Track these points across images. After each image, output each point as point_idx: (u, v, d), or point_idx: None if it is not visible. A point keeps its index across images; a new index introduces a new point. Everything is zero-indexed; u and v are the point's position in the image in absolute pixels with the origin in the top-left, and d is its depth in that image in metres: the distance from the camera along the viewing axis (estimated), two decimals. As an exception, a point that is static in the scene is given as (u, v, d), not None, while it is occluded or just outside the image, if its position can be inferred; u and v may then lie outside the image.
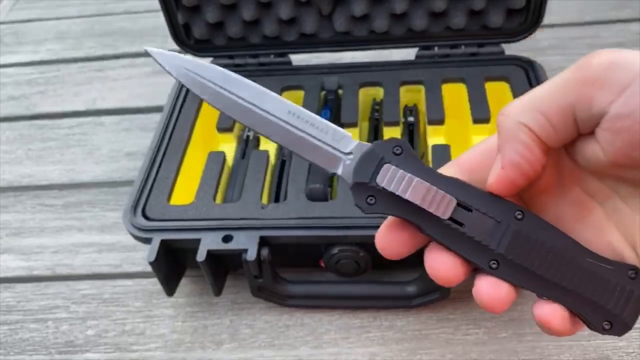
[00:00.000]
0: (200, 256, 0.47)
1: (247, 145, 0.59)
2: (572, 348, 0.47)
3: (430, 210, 0.24)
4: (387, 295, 0.51)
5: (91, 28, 0.93)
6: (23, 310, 0.55)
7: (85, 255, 0.59)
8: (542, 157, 0.24)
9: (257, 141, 0.60)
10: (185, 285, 0.55)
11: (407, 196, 0.24)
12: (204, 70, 0.28)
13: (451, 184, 0.25)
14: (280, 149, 0.58)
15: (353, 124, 0.58)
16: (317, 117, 0.27)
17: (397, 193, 0.25)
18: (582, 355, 0.47)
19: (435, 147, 0.53)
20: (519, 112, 0.23)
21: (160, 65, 0.28)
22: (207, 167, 0.54)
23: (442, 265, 0.25)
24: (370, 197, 0.25)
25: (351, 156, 0.26)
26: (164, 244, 0.48)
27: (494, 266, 0.25)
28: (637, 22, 0.79)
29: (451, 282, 0.25)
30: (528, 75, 0.59)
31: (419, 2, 0.60)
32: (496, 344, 0.48)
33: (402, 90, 0.60)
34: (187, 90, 0.63)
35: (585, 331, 0.48)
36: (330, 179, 0.53)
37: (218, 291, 0.51)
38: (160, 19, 0.66)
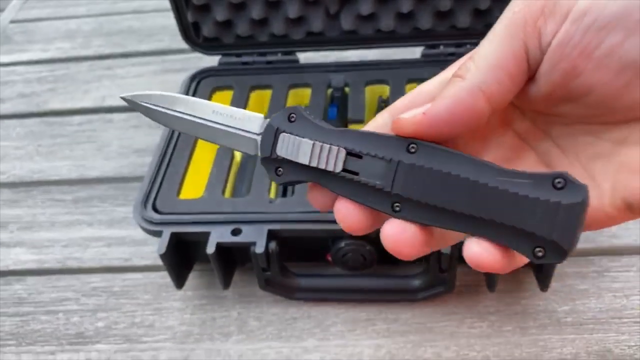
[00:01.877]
0: (210, 249, 0.47)
1: (255, 142, 0.60)
2: (575, 341, 0.48)
3: (321, 167, 0.24)
4: (393, 288, 0.51)
5: (100, 27, 0.94)
6: (34, 302, 0.56)
7: (95, 249, 0.60)
8: (472, 124, 0.23)
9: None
10: (193, 278, 0.56)
11: (299, 160, 0.25)
12: (151, 98, 0.30)
13: (342, 135, 0.25)
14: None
15: (359, 121, 0.59)
16: (237, 109, 0.28)
17: (291, 159, 0.25)
18: (585, 347, 0.48)
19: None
20: (476, 74, 0.22)
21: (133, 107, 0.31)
22: (216, 162, 0.55)
23: (349, 214, 0.25)
24: (278, 169, 0.26)
25: (258, 128, 0.27)
26: (174, 236, 0.49)
27: (397, 209, 0.23)
28: None
29: (360, 230, 0.25)
30: (532, 73, 0.60)
31: (424, 1, 0.61)
32: (500, 337, 0.49)
33: (408, 88, 0.61)
34: (197, 87, 0.64)
35: (588, 325, 0.49)
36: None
37: (226, 284, 0.52)
38: (168, 18, 0.67)
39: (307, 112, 0.26)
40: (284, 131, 0.26)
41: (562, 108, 0.23)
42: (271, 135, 0.26)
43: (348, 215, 0.25)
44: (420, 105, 0.23)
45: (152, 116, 0.30)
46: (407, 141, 0.23)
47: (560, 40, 0.21)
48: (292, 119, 0.26)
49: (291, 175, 0.26)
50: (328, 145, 0.25)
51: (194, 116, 0.29)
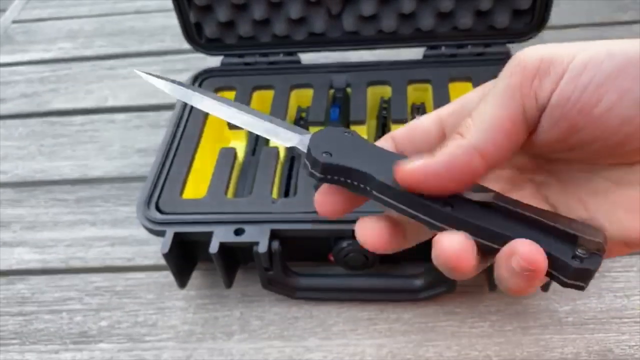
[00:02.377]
0: (213, 248, 0.48)
1: (257, 142, 0.60)
2: (576, 341, 0.48)
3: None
4: (395, 288, 0.52)
5: (102, 27, 0.94)
6: (38, 302, 0.57)
7: (98, 249, 0.61)
8: (467, 182, 0.24)
9: (266, 139, 0.61)
10: (196, 278, 0.56)
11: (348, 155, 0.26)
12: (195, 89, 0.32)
13: (391, 156, 0.26)
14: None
15: (361, 122, 0.59)
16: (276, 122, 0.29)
17: (342, 152, 0.26)
18: (585, 347, 0.48)
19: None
20: (475, 135, 0.23)
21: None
22: (219, 162, 0.55)
23: (371, 232, 0.26)
24: (327, 154, 0.26)
25: (307, 136, 0.28)
26: (177, 236, 0.49)
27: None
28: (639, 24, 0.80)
29: (380, 249, 0.27)
30: (533, 74, 0.60)
31: (426, 2, 0.61)
32: (501, 337, 0.49)
33: (410, 88, 0.62)
34: (199, 87, 0.64)
35: (589, 325, 0.49)
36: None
37: (229, 283, 0.52)
38: (170, 18, 0.67)
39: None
40: (339, 136, 0.27)
41: (562, 155, 0.24)
42: (327, 134, 0.27)
43: (371, 232, 0.27)
44: (419, 143, 0.26)
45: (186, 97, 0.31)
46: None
47: (558, 99, 0.22)
48: (347, 133, 0.28)
49: (341, 159, 0.26)
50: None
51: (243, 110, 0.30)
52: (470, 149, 0.23)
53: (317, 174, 0.26)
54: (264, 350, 0.50)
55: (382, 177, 0.25)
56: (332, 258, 0.51)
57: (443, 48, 0.64)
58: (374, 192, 0.26)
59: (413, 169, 0.24)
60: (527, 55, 0.23)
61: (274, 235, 0.48)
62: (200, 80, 0.65)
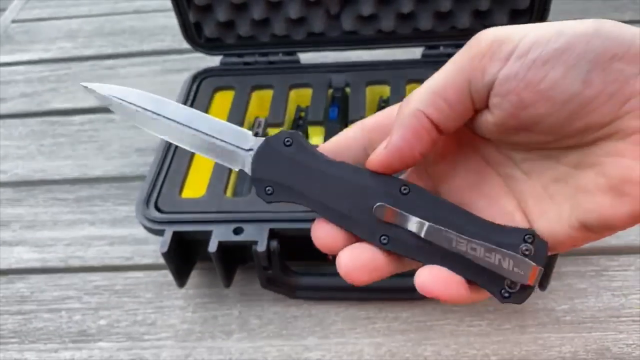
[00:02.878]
0: (212, 247, 0.48)
1: (256, 141, 0.61)
2: (574, 339, 0.48)
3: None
4: (393, 287, 0.52)
5: (102, 27, 0.95)
6: (37, 301, 0.57)
7: (97, 248, 0.61)
8: (429, 144, 0.25)
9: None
10: (195, 277, 0.56)
11: (294, 185, 0.26)
12: (131, 96, 0.29)
13: (337, 167, 0.26)
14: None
15: (360, 121, 0.59)
16: (221, 121, 0.29)
17: (285, 183, 0.27)
18: (583, 346, 0.48)
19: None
20: (419, 99, 0.24)
21: (97, 97, 0.30)
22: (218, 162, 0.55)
23: (325, 235, 0.27)
24: (268, 188, 0.27)
25: (252, 152, 0.28)
26: (176, 235, 0.49)
27: (384, 241, 0.26)
28: (639, 23, 0.80)
29: (333, 251, 0.28)
30: (532, 74, 0.60)
31: (425, 2, 0.62)
32: (499, 336, 0.49)
33: (409, 88, 0.62)
34: (198, 87, 0.64)
35: (587, 323, 0.49)
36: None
37: (228, 282, 0.52)
38: (169, 18, 0.67)
39: (304, 139, 0.27)
40: (279, 152, 0.27)
41: (518, 136, 0.24)
42: (267, 154, 0.27)
43: (326, 235, 0.28)
44: (387, 127, 0.26)
45: (124, 112, 0.29)
46: (401, 182, 0.26)
47: (505, 75, 0.23)
48: (288, 143, 0.27)
49: (281, 196, 0.27)
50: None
51: (175, 121, 0.28)
52: (416, 112, 0.24)
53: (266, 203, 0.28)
54: (262, 349, 0.50)
55: (325, 201, 0.26)
56: (330, 257, 0.51)
57: (441, 48, 0.65)
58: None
59: (379, 157, 0.25)
60: (482, 34, 0.24)
61: (272, 234, 0.48)
62: (200, 79, 0.65)
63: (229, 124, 0.28)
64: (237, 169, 0.28)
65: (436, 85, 0.24)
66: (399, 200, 0.26)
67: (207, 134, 0.28)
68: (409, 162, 0.25)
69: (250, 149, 0.28)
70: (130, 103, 0.29)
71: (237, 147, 0.28)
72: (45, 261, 0.60)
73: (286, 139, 0.27)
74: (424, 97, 0.24)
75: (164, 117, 0.29)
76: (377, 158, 0.25)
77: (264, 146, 0.27)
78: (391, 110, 0.27)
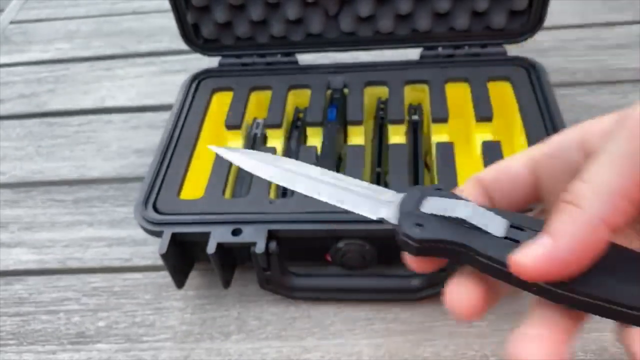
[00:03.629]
0: (210, 249, 0.48)
1: (255, 142, 0.61)
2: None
3: (481, 225, 0.23)
4: (392, 288, 0.52)
5: (100, 28, 0.94)
6: (35, 302, 0.57)
7: (95, 249, 0.61)
8: (600, 252, 0.21)
9: (264, 138, 0.62)
10: (194, 278, 0.56)
11: (454, 213, 0.23)
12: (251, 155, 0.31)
13: (495, 210, 0.23)
14: (287, 146, 0.60)
15: (358, 122, 0.59)
16: (357, 180, 0.28)
17: (441, 213, 0.24)
18: (582, 347, 0.48)
19: (439, 144, 0.55)
20: (597, 205, 0.20)
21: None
22: (216, 163, 0.56)
23: (466, 299, 0.23)
24: (418, 225, 0.24)
25: (393, 198, 0.26)
26: (174, 236, 0.49)
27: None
28: (638, 24, 0.80)
29: (475, 316, 0.23)
30: (530, 75, 0.60)
31: (423, 3, 0.62)
32: (498, 336, 0.49)
33: (407, 89, 0.62)
34: (197, 88, 0.64)
35: (585, 324, 0.49)
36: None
37: (226, 284, 0.52)
38: (168, 19, 0.67)
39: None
40: (430, 195, 0.25)
41: None
42: (415, 196, 0.25)
43: (466, 297, 0.23)
44: (507, 189, 0.24)
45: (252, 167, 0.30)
46: None
47: None
48: (438, 188, 0.26)
49: (435, 231, 0.24)
50: (491, 212, 0.23)
51: (315, 179, 0.29)
52: (595, 221, 0.20)
53: (414, 250, 0.24)
54: (261, 350, 0.50)
55: (488, 250, 0.22)
56: (329, 258, 0.51)
57: (440, 49, 0.65)
58: (480, 262, 0.23)
59: (534, 261, 0.20)
60: (635, 113, 0.21)
61: (271, 235, 0.48)
62: (198, 80, 0.65)
63: (369, 184, 0.28)
64: (376, 218, 0.26)
65: (615, 188, 0.20)
66: None
67: (348, 190, 0.28)
68: (565, 277, 0.21)
69: (390, 202, 0.26)
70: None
71: (377, 199, 0.27)
72: (43, 262, 0.60)
73: (436, 188, 0.26)
74: (603, 200, 0.20)
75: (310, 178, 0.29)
76: (525, 261, 0.21)
77: (412, 189, 0.26)
78: (508, 164, 0.25)
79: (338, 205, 0.27)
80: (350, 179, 0.28)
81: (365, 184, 0.28)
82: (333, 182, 0.28)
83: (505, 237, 0.22)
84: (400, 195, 0.26)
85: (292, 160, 0.30)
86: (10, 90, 0.84)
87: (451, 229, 0.23)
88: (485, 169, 0.26)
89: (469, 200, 0.24)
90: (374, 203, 0.27)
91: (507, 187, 0.25)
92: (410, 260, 0.25)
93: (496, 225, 0.23)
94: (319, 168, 0.29)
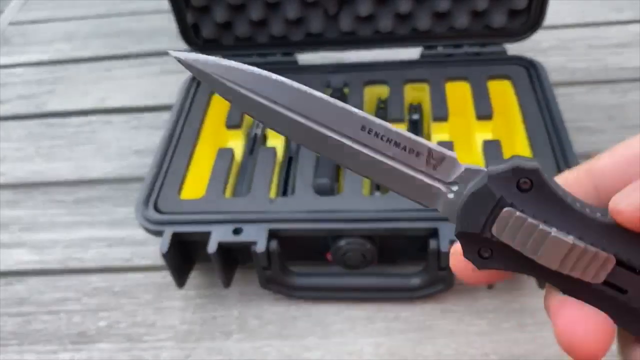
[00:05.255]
0: (211, 248, 0.48)
1: (255, 142, 0.61)
2: (573, 338, 0.48)
3: (574, 275, 0.18)
4: (392, 287, 0.52)
5: (99, 28, 0.94)
6: (36, 303, 0.57)
7: (96, 250, 0.61)
8: None
9: (264, 138, 0.62)
10: (194, 277, 0.56)
11: (538, 259, 0.18)
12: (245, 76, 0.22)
13: (606, 231, 0.18)
14: (288, 146, 0.60)
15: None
16: (403, 132, 0.20)
17: (523, 252, 0.18)
18: None
19: (439, 143, 0.55)
20: None
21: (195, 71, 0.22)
22: (217, 162, 0.56)
23: (586, 328, 0.18)
24: (485, 250, 0.19)
25: (455, 187, 0.20)
26: (175, 236, 0.49)
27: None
28: (637, 23, 0.80)
29: (599, 354, 0.18)
30: (530, 74, 0.61)
31: (423, 2, 0.62)
32: (498, 335, 0.49)
33: (407, 88, 0.62)
34: (197, 88, 0.64)
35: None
36: (337, 174, 0.55)
37: (227, 283, 0.52)
38: (166, 20, 0.67)
39: (550, 179, 0.19)
40: (510, 204, 0.18)
41: None
42: (486, 203, 0.19)
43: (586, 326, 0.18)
44: (620, 176, 0.19)
45: (242, 103, 0.21)
46: None
47: None
48: (525, 187, 0.18)
49: (506, 263, 0.19)
50: (593, 250, 0.18)
51: (336, 131, 0.20)
52: None
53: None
54: (262, 349, 0.50)
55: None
56: (330, 257, 0.51)
57: (440, 48, 0.65)
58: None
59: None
60: None
61: (272, 234, 0.48)
62: (198, 81, 0.65)
63: (421, 139, 0.20)
64: (429, 207, 0.20)
65: None
66: None
67: (387, 156, 0.20)
68: None
69: (455, 183, 0.20)
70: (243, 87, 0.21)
71: (433, 177, 0.20)
72: (44, 263, 0.60)
73: (522, 181, 0.18)
74: None
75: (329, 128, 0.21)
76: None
77: (483, 188, 0.19)
78: (630, 155, 0.20)
79: (378, 181, 0.20)
80: (398, 133, 0.20)
81: (424, 145, 0.20)
82: (370, 142, 0.20)
83: (605, 283, 0.18)
84: (470, 178, 0.19)
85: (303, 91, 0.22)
86: (10, 91, 0.84)
87: (530, 263, 0.18)
88: (601, 156, 0.20)
89: (563, 225, 0.18)
90: (427, 187, 0.20)
91: (623, 180, 0.19)
92: (461, 274, 0.21)
93: (593, 272, 0.18)
94: (346, 108, 0.21)
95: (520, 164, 0.18)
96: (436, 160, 0.20)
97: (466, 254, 0.19)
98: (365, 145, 0.20)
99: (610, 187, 0.19)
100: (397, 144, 0.20)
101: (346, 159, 0.20)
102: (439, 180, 0.20)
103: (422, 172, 0.20)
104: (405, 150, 0.20)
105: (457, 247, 0.20)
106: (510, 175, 0.18)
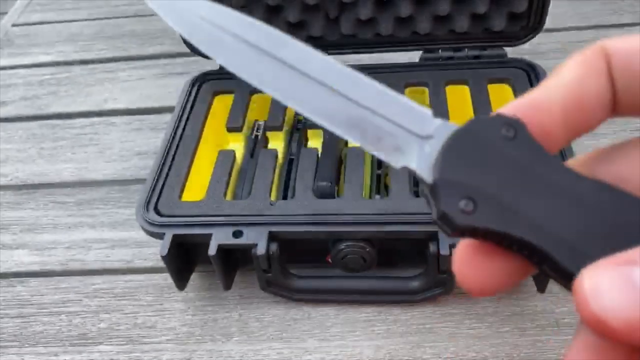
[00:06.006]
0: (212, 251, 0.48)
1: (256, 144, 0.61)
2: (572, 342, 0.49)
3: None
4: (392, 290, 0.52)
5: (102, 30, 0.95)
6: (37, 304, 0.57)
7: (97, 251, 0.61)
8: None
9: (265, 140, 0.62)
10: (195, 280, 0.56)
11: (503, 195, 0.17)
12: (228, 19, 0.21)
13: (587, 185, 0.17)
14: (289, 148, 0.60)
15: (359, 124, 0.59)
16: (379, 85, 0.20)
17: (495, 193, 0.17)
18: (582, 348, 0.48)
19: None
20: None
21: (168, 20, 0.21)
22: (217, 165, 0.56)
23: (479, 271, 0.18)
24: (466, 201, 0.17)
25: (432, 141, 0.18)
26: (176, 238, 0.49)
27: None
28: (637, 26, 0.80)
29: (486, 293, 0.18)
30: (530, 77, 0.61)
31: (423, 6, 0.62)
32: (498, 338, 0.50)
33: (407, 91, 0.62)
34: (198, 90, 0.64)
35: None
36: (337, 177, 0.55)
37: (228, 285, 0.53)
38: (170, 22, 0.67)
39: (529, 133, 0.18)
40: (491, 147, 0.17)
41: None
42: (465, 148, 0.18)
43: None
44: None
45: (215, 50, 0.20)
46: None
47: None
48: (510, 135, 0.17)
49: (489, 218, 0.17)
50: None
51: (311, 76, 0.20)
52: None
53: (449, 232, 0.17)
54: (262, 351, 0.51)
55: (567, 260, 0.16)
56: (330, 260, 0.51)
57: (440, 51, 0.65)
58: (549, 272, 0.17)
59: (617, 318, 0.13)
60: None
61: (272, 237, 0.49)
62: (199, 83, 0.65)
63: (398, 95, 0.20)
64: (398, 165, 0.19)
65: None
66: None
67: (357, 103, 0.20)
68: None
69: (429, 137, 0.19)
70: (227, 31, 0.20)
71: (405, 129, 0.19)
72: (45, 264, 0.60)
73: (506, 128, 0.17)
74: None
75: (293, 68, 0.20)
76: (599, 311, 0.14)
77: (462, 134, 0.18)
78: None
79: (343, 135, 0.19)
80: (376, 88, 0.20)
81: (402, 101, 0.19)
82: (350, 94, 0.20)
83: None
84: (447, 129, 0.18)
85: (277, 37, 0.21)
86: (13, 93, 0.84)
87: (523, 208, 0.16)
88: (613, 39, 0.18)
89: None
90: (402, 140, 0.19)
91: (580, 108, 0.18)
92: (458, 268, 0.18)
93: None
94: (326, 59, 0.21)
95: (501, 113, 0.18)
96: (413, 115, 0.19)
97: (445, 205, 0.17)
98: (341, 94, 0.19)
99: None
100: (375, 96, 0.19)
101: (322, 109, 0.20)
102: (413, 133, 0.19)
103: (395, 123, 0.19)
104: (380, 102, 0.19)
105: (460, 254, 0.18)
106: (495, 121, 0.18)
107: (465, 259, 0.18)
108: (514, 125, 0.17)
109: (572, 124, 0.18)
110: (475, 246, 0.18)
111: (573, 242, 0.16)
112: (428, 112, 0.19)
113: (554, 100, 0.18)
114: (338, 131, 0.19)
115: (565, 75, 0.18)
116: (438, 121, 0.19)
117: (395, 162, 0.19)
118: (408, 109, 0.19)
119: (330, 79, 0.20)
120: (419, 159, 0.18)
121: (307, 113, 0.20)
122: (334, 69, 0.20)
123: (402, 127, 0.19)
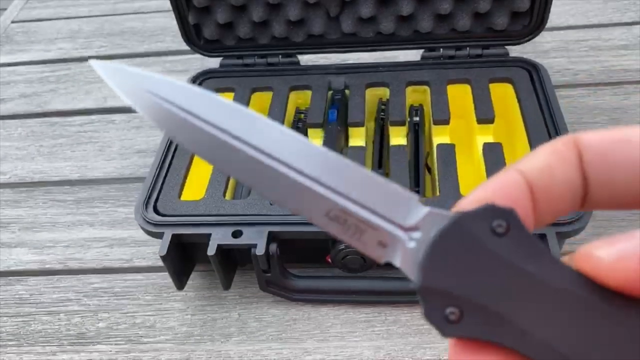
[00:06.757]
0: (211, 250, 0.48)
1: (256, 144, 0.60)
2: (573, 343, 0.48)
3: None
4: (392, 290, 0.52)
5: (102, 27, 0.94)
6: (36, 303, 0.57)
7: (96, 250, 0.61)
8: None
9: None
10: (194, 279, 0.56)
11: (495, 305, 0.16)
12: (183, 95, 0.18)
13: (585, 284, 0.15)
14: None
15: (360, 124, 0.59)
16: (361, 168, 0.17)
17: (485, 303, 0.16)
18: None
19: (440, 146, 0.55)
20: None
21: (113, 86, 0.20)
22: (217, 164, 0.55)
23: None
24: (452, 309, 0.16)
25: (417, 234, 0.17)
26: (175, 238, 0.49)
27: None
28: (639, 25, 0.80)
29: None
30: (532, 77, 0.60)
31: (425, 4, 0.61)
32: (498, 339, 0.49)
33: (408, 90, 0.62)
34: (197, 89, 0.64)
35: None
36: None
37: (227, 285, 0.52)
38: (170, 19, 0.67)
39: (524, 226, 0.16)
40: (480, 246, 0.16)
41: None
42: (454, 246, 0.16)
43: None
44: (556, 198, 0.17)
45: (173, 130, 0.18)
46: None
47: None
48: (500, 231, 0.16)
49: (477, 328, 0.16)
50: None
51: (278, 160, 0.17)
52: None
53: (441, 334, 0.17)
54: (261, 352, 0.50)
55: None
56: (329, 260, 0.51)
57: (441, 50, 0.64)
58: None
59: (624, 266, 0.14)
60: None
61: (271, 237, 0.48)
62: (199, 81, 0.65)
63: (377, 176, 0.17)
64: (382, 261, 0.17)
65: None
66: None
67: (335, 191, 0.17)
68: None
69: (415, 229, 0.17)
70: (190, 113, 0.18)
71: (389, 220, 0.17)
72: (44, 263, 0.60)
73: (497, 223, 0.16)
74: None
75: (254, 148, 0.17)
76: (609, 259, 0.14)
77: (450, 232, 0.16)
78: (613, 138, 0.17)
79: (318, 225, 0.17)
80: (357, 170, 0.17)
81: (382, 184, 0.17)
82: (322, 178, 0.17)
83: None
84: (435, 222, 0.17)
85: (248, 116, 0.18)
86: (12, 90, 0.84)
87: (507, 313, 0.16)
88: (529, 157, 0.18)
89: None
90: (384, 234, 0.17)
91: (555, 195, 0.17)
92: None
93: None
94: (298, 138, 0.18)
95: (491, 205, 0.16)
96: (395, 201, 0.17)
97: (428, 315, 0.16)
98: (312, 180, 0.17)
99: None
100: (349, 179, 0.17)
101: (289, 199, 0.17)
102: (397, 225, 0.17)
103: (377, 213, 0.17)
104: (355, 185, 0.17)
105: (454, 349, 0.17)
106: (484, 217, 0.16)
107: (460, 352, 0.17)
108: (506, 217, 0.16)
109: (541, 211, 0.17)
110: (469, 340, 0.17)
111: (565, 353, 0.15)
112: (414, 197, 0.17)
113: (523, 187, 0.17)
114: (315, 225, 0.18)
115: (534, 162, 0.17)
116: (424, 210, 0.17)
117: (379, 257, 0.18)
118: (392, 195, 0.17)
119: (302, 162, 0.17)
120: (403, 255, 0.17)
121: (278, 204, 0.17)
122: (305, 149, 0.17)
123: (385, 218, 0.17)
